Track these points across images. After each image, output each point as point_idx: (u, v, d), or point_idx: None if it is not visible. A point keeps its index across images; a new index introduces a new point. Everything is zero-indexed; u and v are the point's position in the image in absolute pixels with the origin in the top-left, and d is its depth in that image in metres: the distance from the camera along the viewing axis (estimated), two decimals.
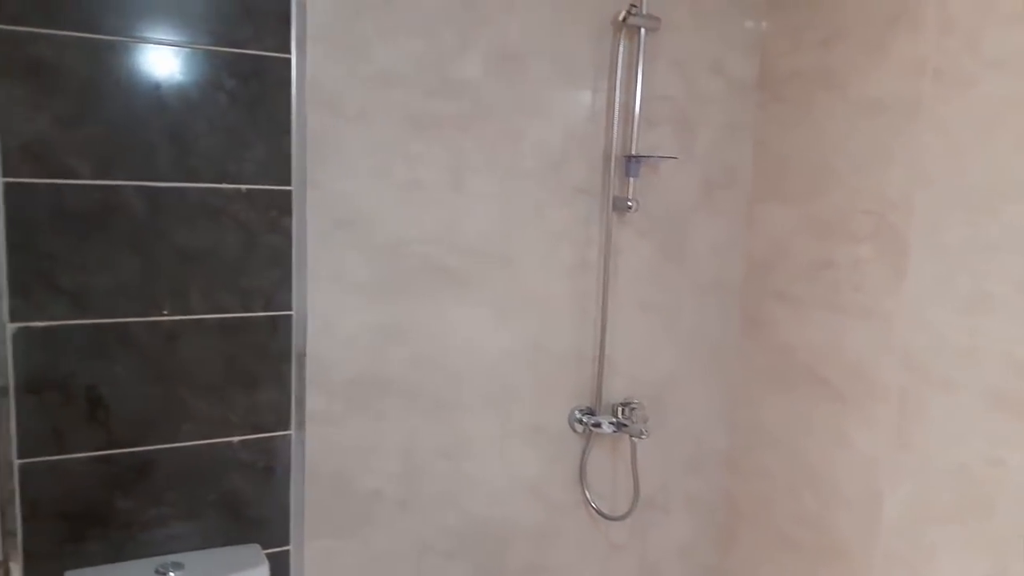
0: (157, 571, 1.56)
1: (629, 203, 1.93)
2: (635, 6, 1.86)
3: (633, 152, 1.93)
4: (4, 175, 1.41)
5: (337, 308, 1.71)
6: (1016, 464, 1.58)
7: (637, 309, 2.06)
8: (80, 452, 1.53)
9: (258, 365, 1.67)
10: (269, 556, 1.67)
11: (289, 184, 1.64)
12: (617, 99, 1.90)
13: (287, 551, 1.75)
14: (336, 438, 1.75)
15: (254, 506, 1.71)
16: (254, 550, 1.68)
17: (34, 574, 1.51)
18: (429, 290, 1.80)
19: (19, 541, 1.51)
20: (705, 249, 2.13)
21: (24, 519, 1.50)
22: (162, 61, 1.49)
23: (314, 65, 1.62)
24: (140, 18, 1.45)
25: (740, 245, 2.18)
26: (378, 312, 1.76)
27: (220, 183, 1.58)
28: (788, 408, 2.08)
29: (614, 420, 2.01)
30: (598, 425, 1.99)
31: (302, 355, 1.69)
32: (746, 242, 2.17)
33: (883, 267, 1.83)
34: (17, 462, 1.48)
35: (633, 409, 2.02)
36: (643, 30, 1.88)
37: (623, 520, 2.09)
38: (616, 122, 1.92)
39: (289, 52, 1.59)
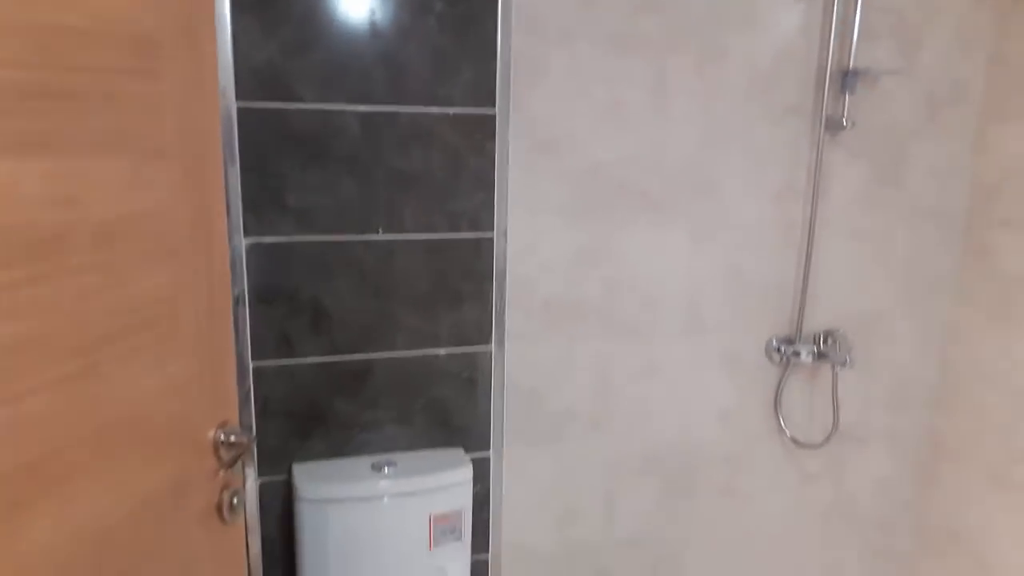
0: (373, 466, 1.72)
1: (844, 122, 1.80)
2: None
3: (850, 66, 1.79)
4: (239, 99, 1.53)
5: (536, 230, 1.75)
6: None
7: (846, 236, 1.95)
8: (306, 357, 1.69)
9: (463, 283, 1.75)
10: (471, 460, 1.79)
11: (493, 107, 1.68)
12: (835, 8, 1.76)
13: (487, 456, 1.86)
14: (533, 356, 1.81)
15: (458, 414, 1.82)
16: (458, 453, 1.81)
17: (266, 464, 1.71)
18: (627, 214, 1.79)
19: (254, 434, 1.70)
20: (925, 173, 1.97)
21: (257, 415, 1.68)
22: None
23: None
24: None
25: (967, 168, 1.99)
26: (575, 235, 1.78)
27: (429, 106, 1.64)
28: (1008, 342, 1.92)
29: (815, 349, 1.94)
30: (797, 354, 1.93)
31: (503, 275, 1.75)
32: (974, 165, 1.98)
33: None
34: (252, 364, 1.66)
35: (835, 339, 1.94)
36: None
37: (818, 449, 2.04)
38: (833, 34, 1.78)
39: None
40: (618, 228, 1.80)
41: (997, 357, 1.96)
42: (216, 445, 1.02)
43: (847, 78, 1.79)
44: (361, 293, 1.70)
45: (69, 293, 0.80)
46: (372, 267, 1.69)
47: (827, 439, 1.99)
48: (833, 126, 1.83)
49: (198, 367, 0.98)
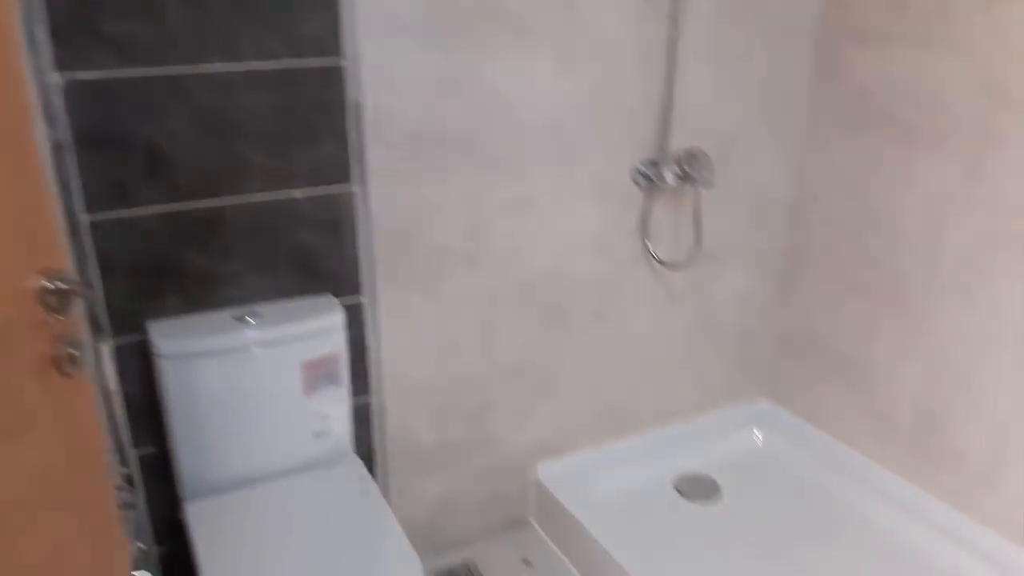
0: (235, 318, 1.64)
1: None
2: None
3: None
4: None
5: (392, 57, 1.63)
6: None
7: (706, 56, 1.93)
8: (146, 207, 1.55)
9: (314, 116, 1.63)
10: (343, 305, 1.74)
11: None
12: None
13: (360, 301, 1.82)
14: (400, 194, 1.74)
15: (324, 259, 1.75)
16: (327, 299, 1.75)
17: (119, 324, 1.60)
18: (487, 36, 1.69)
19: (101, 294, 1.57)
20: None
21: (102, 273, 1.55)
22: None
23: None
24: None
25: None
26: (435, 61, 1.67)
27: None
28: (858, 153, 2.00)
29: (678, 171, 1.96)
30: (662, 176, 1.95)
31: (359, 106, 1.64)
32: None
33: None
34: (86, 217, 1.51)
35: (697, 158, 1.96)
36: None
37: (684, 269, 2.11)
38: None
39: None
40: (479, 52, 1.70)
41: (845, 168, 2.05)
42: (40, 293, 0.92)
43: None
44: (201, 133, 1.55)
45: None
46: (210, 103, 1.54)
47: (691, 259, 2.05)
48: None
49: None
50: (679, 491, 2.22)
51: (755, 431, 2.40)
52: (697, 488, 2.22)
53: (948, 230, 1.82)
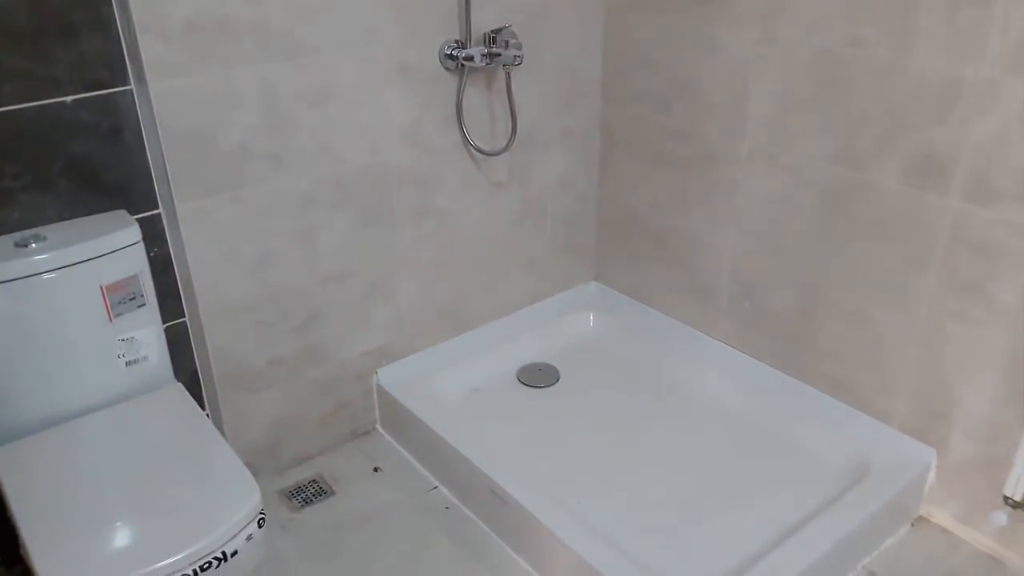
0: (16, 243, 1.46)
1: None
2: None
3: None
4: None
5: None
6: (872, 40, 1.63)
7: None
8: None
9: (71, 9, 1.45)
10: (140, 220, 1.59)
11: None
12: None
13: (158, 214, 1.67)
14: (185, 91, 1.58)
15: (109, 172, 1.59)
16: (120, 215, 1.60)
17: None
18: None
19: None
20: None
21: None
22: None
23: None
24: None
25: None
26: None
27: None
28: (659, 25, 2.04)
29: (486, 51, 1.91)
30: (470, 58, 1.89)
31: None
32: None
33: None
34: None
35: (503, 36, 1.92)
36: None
37: (503, 155, 2.09)
38: None
39: None
40: None
41: (649, 42, 2.08)
42: None
43: None
44: None
45: None
46: None
47: (508, 144, 2.03)
48: None
49: None
50: (520, 381, 2.25)
51: (588, 314, 2.46)
52: (538, 376, 2.27)
53: (750, 97, 1.89)
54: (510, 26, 1.93)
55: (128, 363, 1.60)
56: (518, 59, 1.89)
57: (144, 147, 1.60)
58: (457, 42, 1.91)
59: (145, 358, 1.62)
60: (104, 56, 1.51)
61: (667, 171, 2.16)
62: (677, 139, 2.10)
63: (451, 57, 1.91)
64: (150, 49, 1.51)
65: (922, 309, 1.72)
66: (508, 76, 1.98)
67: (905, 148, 1.64)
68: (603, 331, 2.43)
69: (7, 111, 1.44)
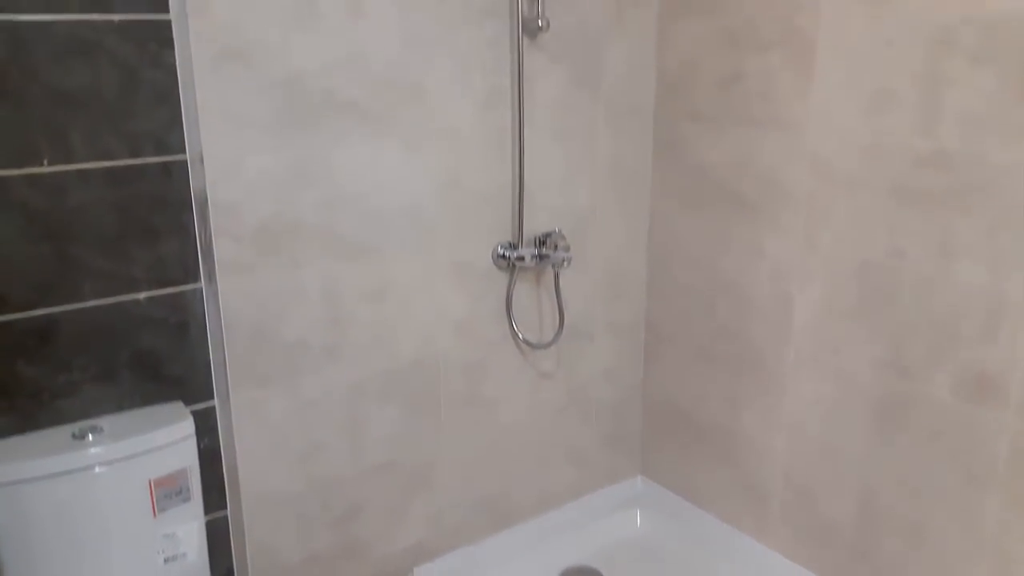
0: (74, 435, 1.50)
1: (539, 22, 1.83)
2: None
3: None
4: None
5: (237, 149, 1.59)
6: (914, 253, 1.66)
7: (552, 138, 2.01)
8: None
9: (156, 215, 1.56)
10: (194, 412, 1.63)
11: (167, 12, 1.49)
12: None
13: (212, 406, 1.70)
14: (251, 288, 1.66)
15: (171, 364, 1.64)
16: (176, 407, 1.63)
17: None
18: (335, 124, 1.69)
19: None
20: (618, 71, 2.07)
21: None
22: None
23: None
24: None
25: (652, 65, 2.13)
26: (282, 152, 1.64)
27: (88, 13, 1.42)
28: (703, 227, 2.12)
29: (536, 252, 1.99)
30: (521, 258, 1.98)
31: (204, 202, 1.58)
32: (658, 61, 2.13)
33: (791, 73, 1.82)
34: None
35: (554, 239, 2.01)
36: None
37: (549, 348, 2.13)
38: None
39: None
40: (328, 140, 1.69)
41: (693, 242, 2.15)
42: None
43: None
44: (30, 238, 1.45)
45: None
46: (41, 206, 1.44)
47: (556, 337, 2.07)
48: (530, 28, 1.85)
49: None
50: None
51: (634, 512, 2.39)
52: None
53: (795, 302, 1.93)
54: (559, 230, 2.02)
55: (166, 560, 1.57)
56: (567, 261, 1.97)
57: (207, 340, 1.67)
58: (509, 243, 1.99)
59: (184, 555, 1.59)
60: (180, 256, 1.60)
61: (714, 368, 2.17)
62: (723, 338, 2.12)
63: (503, 257, 1.99)
64: (223, 250, 1.61)
65: (988, 529, 1.64)
66: (556, 275, 2.05)
67: (955, 361, 1.63)
68: (650, 532, 2.34)
69: (84, 307, 1.52)
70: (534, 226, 2.03)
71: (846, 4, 1.69)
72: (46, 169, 1.44)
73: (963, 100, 1.55)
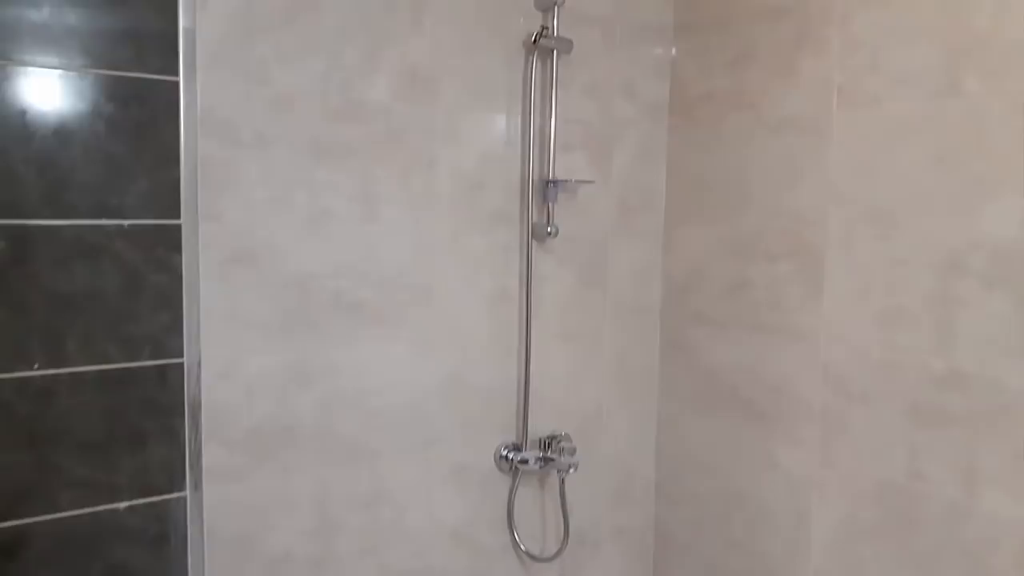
0: None
1: (548, 229, 1.86)
2: (546, 28, 1.81)
3: (551, 177, 1.86)
4: None
5: (236, 351, 1.56)
6: (937, 477, 1.58)
7: (559, 339, 1.99)
8: None
9: (146, 420, 1.50)
10: None
11: (178, 218, 1.50)
12: (532, 123, 1.83)
13: None
14: (239, 496, 1.58)
15: None
16: None
17: None
18: (341, 327, 1.67)
19: None
20: (625, 274, 2.08)
21: None
22: (28, 85, 1.33)
23: (205, 88, 1.48)
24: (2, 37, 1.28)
25: (658, 267, 2.14)
26: (283, 353, 1.61)
27: (98, 219, 1.42)
28: (714, 432, 2.04)
29: (541, 455, 1.91)
30: (525, 462, 1.89)
31: (197, 406, 1.53)
32: (664, 265, 2.14)
33: (800, 284, 1.82)
34: None
35: (559, 442, 1.93)
36: (556, 52, 1.83)
37: (553, 561, 1.99)
38: (532, 146, 1.84)
39: (176, 75, 1.46)
40: (331, 342, 1.66)
41: (704, 447, 2.07)
42: None
43: (548, 188, 1.86)
44: (10, 444, 1.38)
45: None
46: (26, 411, 1.39)
47: (560, 549, 1.95)
48: (540, 233, 1.87)
49: None
50: None
51: None
52: None
53: (813, 519, 1.82)
54: (565, 434, 1.95)
55: None
56: (573, 468, 1.88)
57: (186, 553, 1.56)
58: (513, 445, 1.92)
59: None
60: (166, 463, 1.52)
61: None
62: (737, 551, 1.99)
63: (506, 459, 1.91)
64: (212, 456, 1.54)
65: None
66: (562, 482, 1.96)
67: None
68: None
69: (60, 518, 1.43)
70: (540, 427, 1.96)
71: (854, 223, 1.70)
72: (36, 373, 1.39)
73: (977, 322, 1.52)
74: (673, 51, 2.08)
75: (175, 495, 1.54)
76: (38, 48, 1.33)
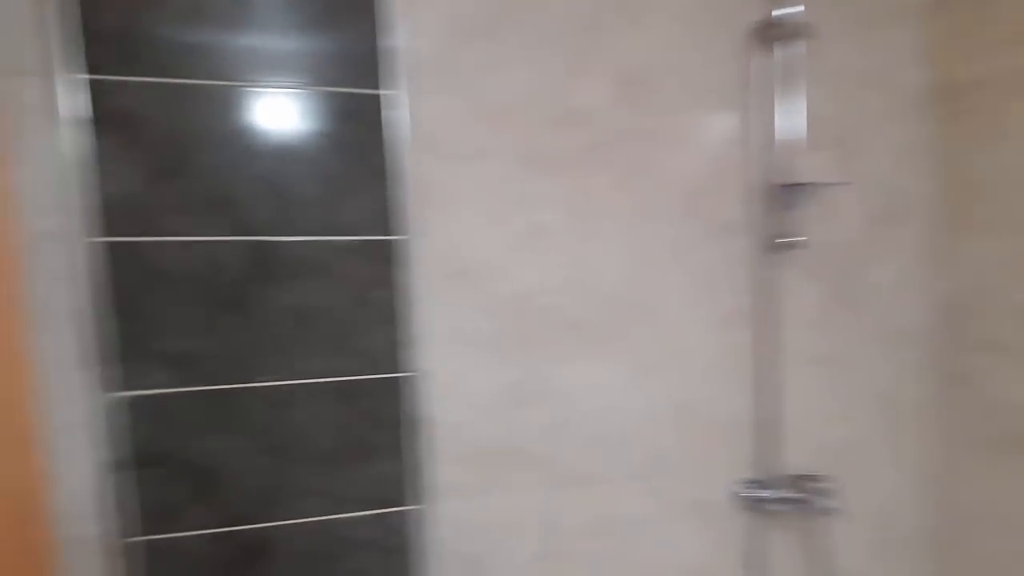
0: None
1: (789, 240, 1.66)
2: (779, 13, 1.64)
3: (788, 180, 1.67)
4: (99, 235, 1.37)
5: (459, 369, 1.56)
6: None
7: (806, 363, 1.76)
8: (190, 530, 1.45)
9: (375, 432, 1.54)
10: None
11: (398, 234, 1.54)
12: (764, 121, 1.67)
13: None
14: (468, 514, 1.57)
15: None
16: None
17: None
18: (560, 345, 1.61)
19: None
20: (882, 292, 1.81)
21: None
22: (257, 106, 1.44)
23: (417, 104, 1.52)
24: (229, 62, 1.41)
25: (928, 286, 1.83)
26: (505, 372, 1.58)
27: (325, 235, 1.50)
28: (1012, 479, 1.68)
29: (790, 495, 1.69)
30: (770, 500, 1.69)
31: (425, 421, 1.54)
32: (936, 282, 1.83)
33: None
34: (128, 540, 1.41)
35: (813, 481, 1.70)
36: (790, 40, 1.65)
37: None
38: (765, 147, 1.68)
39: (391, 90, 1.51)
40: (551, 361, 1.61)
41: (998, 498, 1.71)
42: None
43: (789, 193, 1.67)
44: (253, 451, 1.48)
45: None
46: (265, 420, 1.48)
47: None
48: (779, 244, 1.69)
49: None
50: None
51: None
52: None
53: None
54: (821, 474, 1.72)
55: None
56: (830, 511, 1.65)
57: (418, 567, 1.56)
58: (756, 482, 1.72)
59: None
60: (396, 477, 1.55)
61: None
62: None
63: (749, 498, 1.72)
64: (442, 473, 1.54)
65: None
66: (819, 523, 1.71)
67: None
68: None
69: (297, 523, 1.50)
70: (785, 462, 1.74)
71: None
72: (272, 384, 1.48)
73: None
74: (934, 29, 1.81)
75: (407, 508, 1.56)
76: (263, 70, 1.44)
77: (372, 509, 1.54)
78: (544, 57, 1.58)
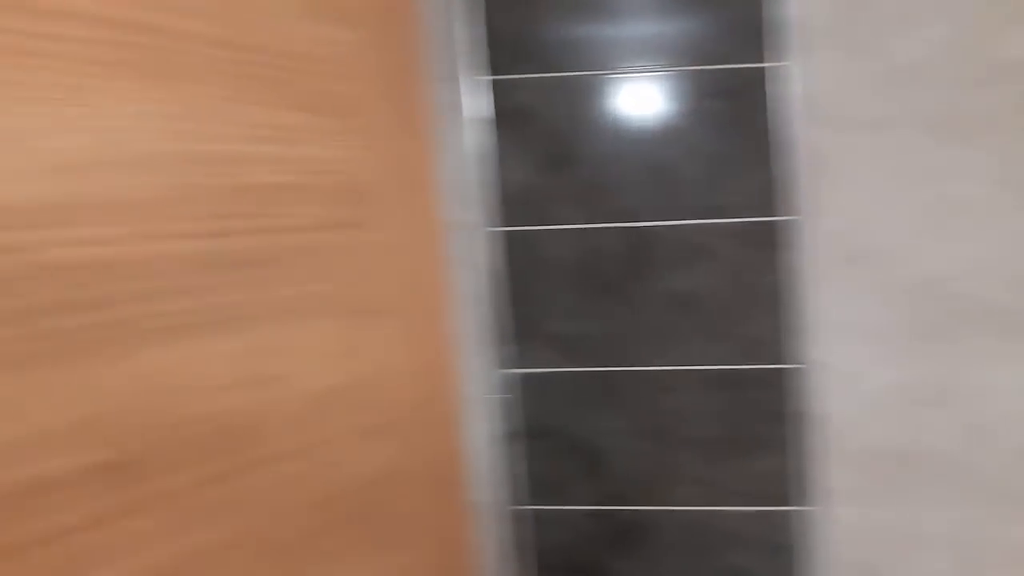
0: None
1: None
2: None
3: None
4: (498, 224, 1.48)
5: (856, 362, 1.41)
6: None
7: None
8: (571, 504, 1.52)
9: (759, 425, 1.47)
10: None
11: (786, 215, 1.44)
12: None
13: None
14: (861, 520, 1.42)
15: None
16: None
17: None
18: (979, 340, 1.38)
19: None
20: None
21: (539, 567, 1.51)
22: (635, 92, 1.44)
23: (810, 72, 1.40)
24: (608, 51, 1.42)
25: None
26: (908, 368, 1.40)
27: (706, 219, 1.45)
28: None
29: None
30: None
31: (815, 417, 1.43)
32: None
33: None
34: (518, 508, 1.51)
35: None
36: None
37: None
38: None
39: (779, 61, 1.41)
40: (968, 358, 1.39)
41: None
42: None
43: None
44: (632, 433, 1.49)
45: (264, 487, 0.71)
46: (644, 403, 1.49)
47: None
48: None
49: (422, 563, 0.83)
50: None
51: None
52: None
53: None
54: None
55: None
56: None
57: (806, 572, 1.46)
58: None
59: None
60: (779, 474, 1.46)
61: None
62: None
63: None
64: (834, 473, 1.42)
65: None
66: None
67: None
68: None
69: (677, 511, 1.49)
70: None
71: None
72: (651, 368, 1.48)
73: None
74: None
75: (793, 508, 1.46)
76: (642, 55, 1.42)
77: (754, 505, 1.47)
78: (960, 6, 1.36)
